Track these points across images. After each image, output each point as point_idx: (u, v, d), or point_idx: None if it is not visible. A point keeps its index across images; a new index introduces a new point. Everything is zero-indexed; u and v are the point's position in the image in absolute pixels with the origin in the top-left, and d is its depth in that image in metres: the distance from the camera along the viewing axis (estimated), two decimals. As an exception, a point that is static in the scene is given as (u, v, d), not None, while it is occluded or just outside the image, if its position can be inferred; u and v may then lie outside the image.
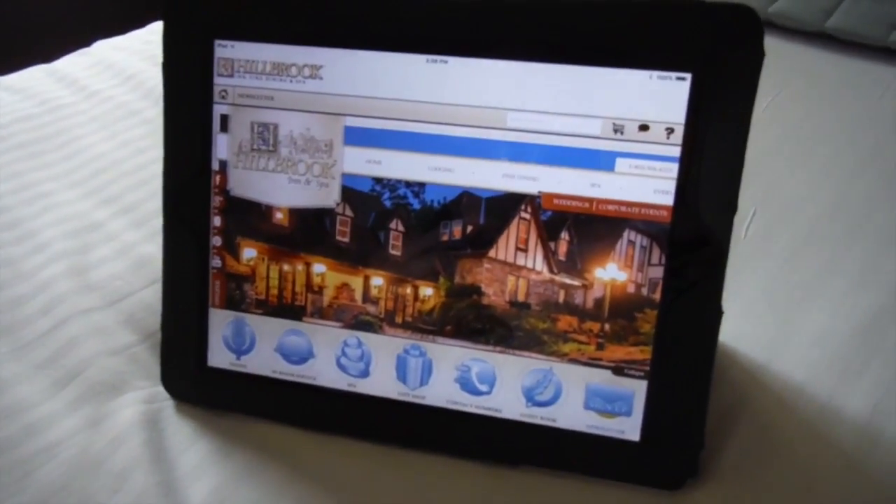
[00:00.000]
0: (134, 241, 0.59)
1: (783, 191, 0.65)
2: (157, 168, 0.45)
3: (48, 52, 0.93)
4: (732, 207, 0.38)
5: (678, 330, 0.40)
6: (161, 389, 0.47)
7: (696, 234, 0.39)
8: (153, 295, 0.53)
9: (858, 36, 0.87)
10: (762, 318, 0.52)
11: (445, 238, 0.42)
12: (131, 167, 0.68)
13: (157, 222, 0.46)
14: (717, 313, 0.40)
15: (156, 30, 0.94)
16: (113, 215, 0.62)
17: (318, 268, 0.44)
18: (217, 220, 0.45)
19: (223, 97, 0.44)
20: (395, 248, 0.43)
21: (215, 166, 0.44)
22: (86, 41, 0.94)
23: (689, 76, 0.37)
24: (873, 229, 0.60)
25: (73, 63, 0.87)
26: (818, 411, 0.45)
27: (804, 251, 0.58)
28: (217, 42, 0.43)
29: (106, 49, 0.90)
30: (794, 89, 0.80)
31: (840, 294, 0.54)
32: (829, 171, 0.68)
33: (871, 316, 0.52)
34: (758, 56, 0.37)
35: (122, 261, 0.57)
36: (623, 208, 0.39)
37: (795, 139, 0.72)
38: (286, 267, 0.44)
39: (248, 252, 0.45)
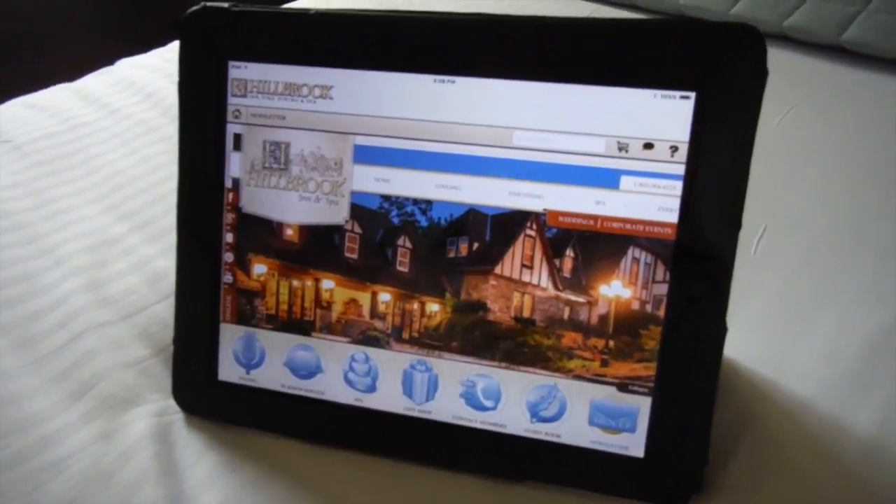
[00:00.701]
0: (150, 256, 0.60)
1: (795, 207, 0.65)
2: (174, 184, 0.46)
3: (74, 70, 0.95)
4: (737, 224, 0.39)
5: (683, 347, 0.40)
6: (172, 403, 0.48)
7: (700, 251, 0.39)
8: (167, 309, 0.53)
9: (874, 49, 0.87)
10: (770, 333, 0.52)
11: (452, 255, 0.42)
12: (149, 183, 0.69)
13: (173, 237, 0.47)
14: (721, 330, 0.40)
15: (176, 48, 0.96)
16: (130, 230, 0.63)
17: (327, 283, 0.45)
18: (229, 237, 0.46)
19: (237, 117, 0.45)
20: (403, 265, 0.43)
21: (228, 184, 0.45)
22: (111, 60, 0.97)
23: (692, 95, 0.38)
24: (885, 244, 0.60)
25: (96, 81, 0.89)
26: (825, 427, 0.45)
27: (814, 267, 0.58)
28: (231, 63, 0.44)
29: (128, 67, 0.92)
30: (808, 104, 0.79)
31: (850, 309, 0.54)
32: (842, 186, 0.67)
33: (882, 331, 0.51)
34: (761, 74, 0.37)
35: (138, 275, 0.58)
36: (628, 226, 0.40)
37: (809, 154, 0.72)
38: (296, 283, 0.45)
39: (259, 268, 0.46)
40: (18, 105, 0.83)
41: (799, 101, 0.79)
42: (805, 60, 0.88)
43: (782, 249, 0.60)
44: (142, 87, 0.86)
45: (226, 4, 0.43)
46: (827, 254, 0.59)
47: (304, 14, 0.42)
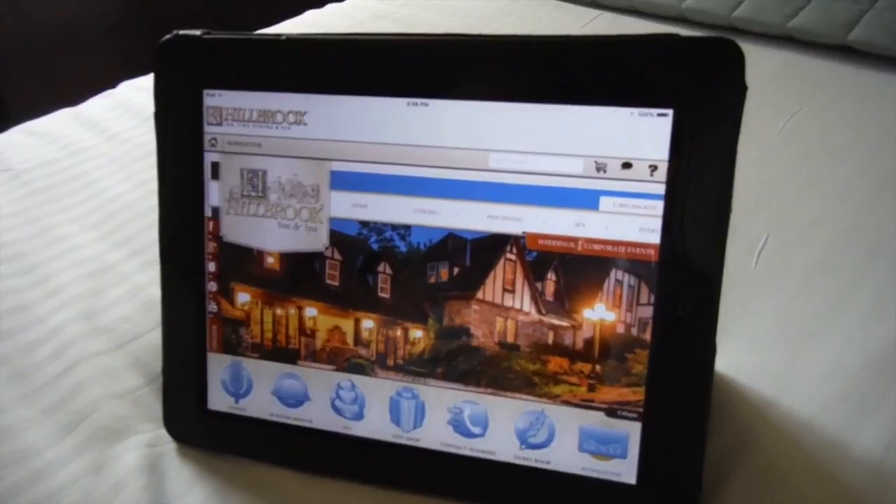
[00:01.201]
0: (144, 283, 0.60)
1: (798, 215, 0.63)
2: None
3: (79, 94, 0.96)
4: (721, 244, 0.37)
5: (671, 370, 0.39)
6: (164, 432, 0.48)
7: (684, 272, 0.38)
8: (159, 337, 0.53)
9: (882, 48, 0.84)
10: (771, 350, 0.50)
11: (433, 280, 0.42)
12: (145, 207, 0.69)
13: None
14: (710, 351, 0.39)
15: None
16: (125, 257, 0.63)
17: (310, 311, 0.44)
18: (211, 266, 0.45)
19: (213, 145, 0.44)
20: (384, 291, 0.43)
21: (208, 213, 0.45)
22: (113, 83, 0.97)
23: (670, 112, 0.37)
24: (892, 255, 0.58)
25: (97, 105, 0.90)
26: (826, 449, 0.43)
27: (818, 279, 0.56)
28: (206, 91, 0.44)
29: (128, 90, 0.93)
30: (813, 106, 0.77)
31: (854, 325, 0.52)
32: (848, 193, 0.65)
33: (887, 348, 0.49)
34: (740, 89, 0.36)
35: (132, 303, 0.58)
36: (609, 247, 0.39)
37: (813, 159, 0.70)
38: (279, 311, 0.45)
39: (242, 297, 0.45)
40: (20, 132, 0.84)
41: (806, 104, 0.78)
42: (811, 62, 0.86)
43: (786, 260, 0.58)
44: (141, 111, 0.86)
45: (198, 32, 0.43)
46: (832, 264, 0.57)
47: (275, 40, 0.42)
